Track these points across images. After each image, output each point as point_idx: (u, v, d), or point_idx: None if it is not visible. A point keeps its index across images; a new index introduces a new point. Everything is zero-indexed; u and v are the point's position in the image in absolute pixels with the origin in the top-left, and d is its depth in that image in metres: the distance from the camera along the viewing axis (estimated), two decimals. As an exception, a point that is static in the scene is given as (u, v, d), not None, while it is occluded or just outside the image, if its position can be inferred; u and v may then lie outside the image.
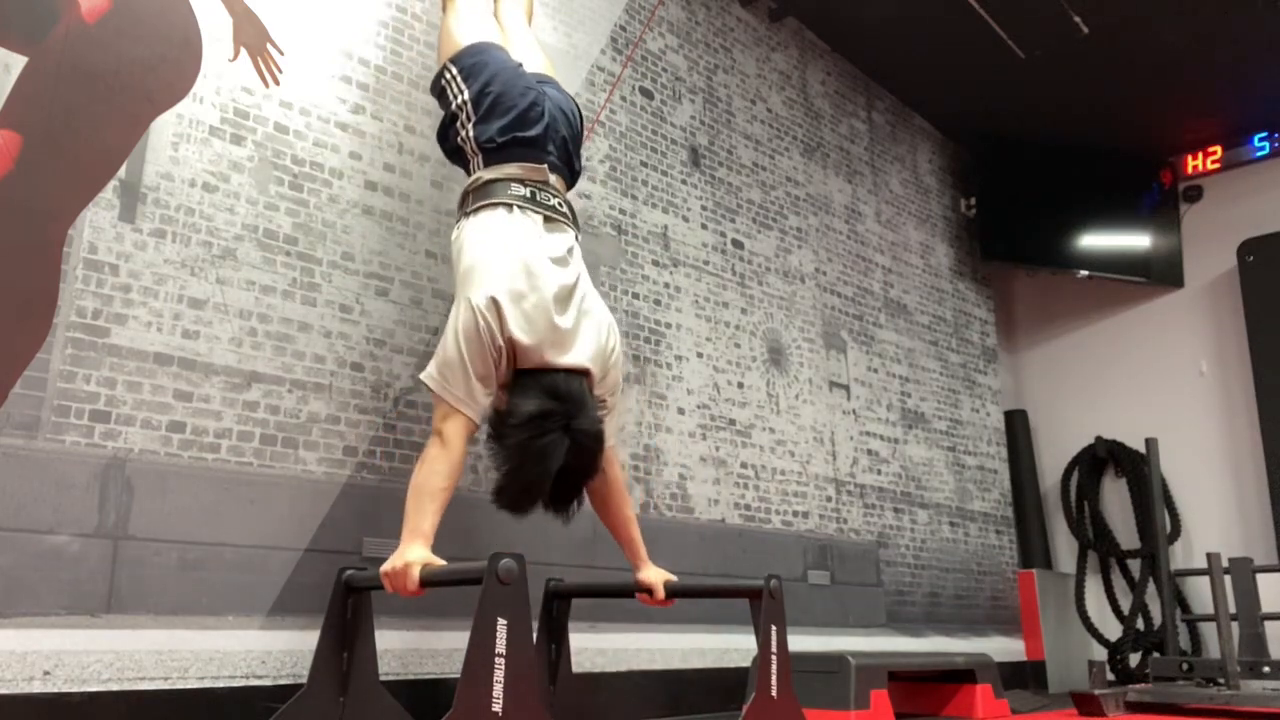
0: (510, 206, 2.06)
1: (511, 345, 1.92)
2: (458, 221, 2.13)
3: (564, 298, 2.01)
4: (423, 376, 1.94)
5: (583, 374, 1.99)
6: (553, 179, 2.16)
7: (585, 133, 2.53)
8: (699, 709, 2.96)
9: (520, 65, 2.27)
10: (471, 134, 2.14)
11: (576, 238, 2.17)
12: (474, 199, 2.09)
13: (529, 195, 2.08)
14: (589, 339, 2.03)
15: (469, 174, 2.17)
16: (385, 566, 1.79)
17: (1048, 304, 5.57)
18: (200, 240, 2.16)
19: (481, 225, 2.04)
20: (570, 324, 2.00)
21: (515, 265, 1.97)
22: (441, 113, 2.27)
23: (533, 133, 2.14)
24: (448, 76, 2.23)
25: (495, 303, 1.91)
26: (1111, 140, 5.11)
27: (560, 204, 2.15)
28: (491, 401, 1.96)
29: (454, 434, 1.88)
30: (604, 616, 2.76)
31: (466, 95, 2.16)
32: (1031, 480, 5.21)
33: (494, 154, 2.12)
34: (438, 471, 1.85)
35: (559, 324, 1.98)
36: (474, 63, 2.21)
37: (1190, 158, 5.27)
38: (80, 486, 1.89)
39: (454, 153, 2.23)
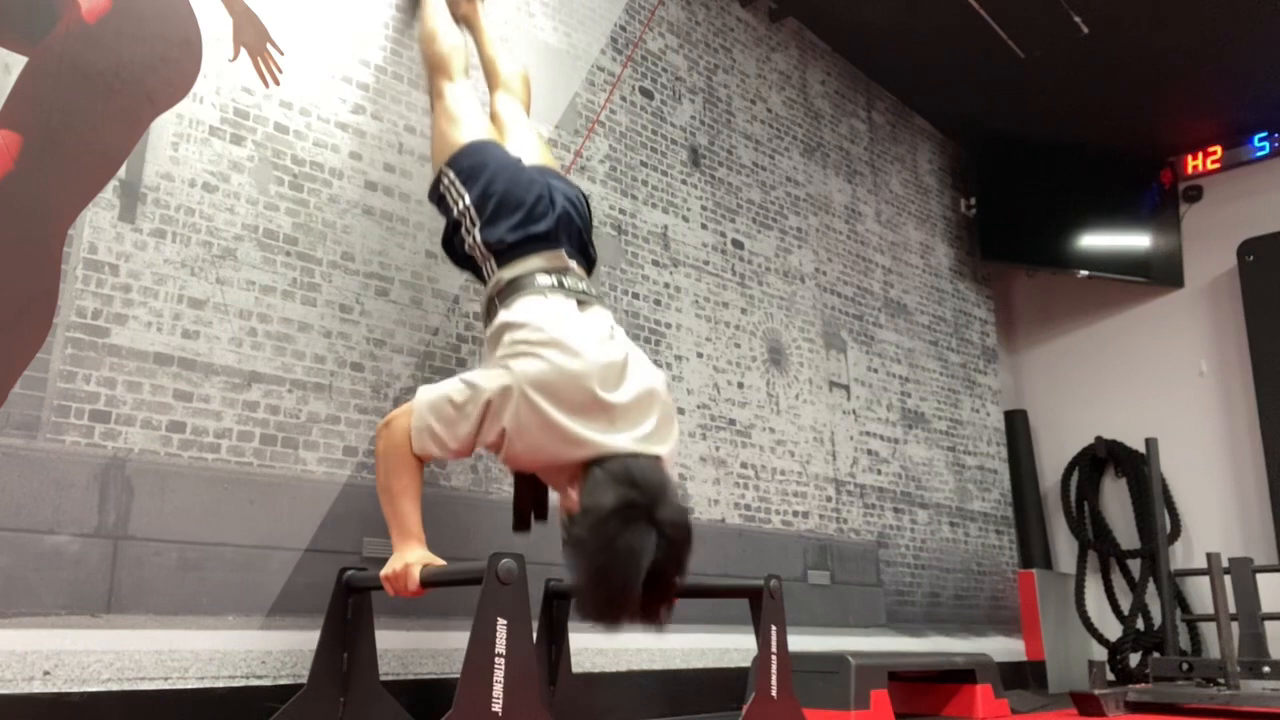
0: (543, 294, 1.94)
1: (551, 430, 1.76)
2: (487, 330, 2.01)
3: (615, 375, 1.86)
4: (419, 390, 1.86)
5: (653, 457, 1.81)
6: (574, 266, 2.06)
7: (585, 134, 2.53)
8: (699, 709, 2.96)
9: (519, 160, 2.19)
10: (480, 239, 2.04)
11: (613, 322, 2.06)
12: (500, 300, 1.98)
13: (556, 283, 1.97)
14: (653, 418, 1.87)
15: (484, 280, 2.07)
16: (385, 571, 1.79)
17: (1048, 304, 5.57)
18: (200, 240, 2.16)
19: (515, 316, 1.90)
20: (627, 399, 1.84)
21: (557, 345, 1.82)
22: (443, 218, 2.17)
23: (544, 227, 2.04)
24: (445, 182, 2.15)
25: (526, 390, 1.77)
26: (1111, 140, 5.11)
27: (588, 288, 2.03)
28: (562, 505, 1.82)
29: (402, 435, 1.83)
30: (604, 616, 2.76)
31: (468, 200, 2.08)
32: (1031, 480, 5.21)
33: (507, 254, 2.01)
34: (395, 468, 1.83)
35: (612, 400, 1.81)
36: (472, 164, 2.13)
37: (1190, 158, 5.27)
38: (80, 486, 1.89)
39: (464, 260, 2.12)
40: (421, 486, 1.86)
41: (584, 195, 2.24)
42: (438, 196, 2.19)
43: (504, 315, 1.92)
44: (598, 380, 1.80)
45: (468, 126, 2.24)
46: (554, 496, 1.94)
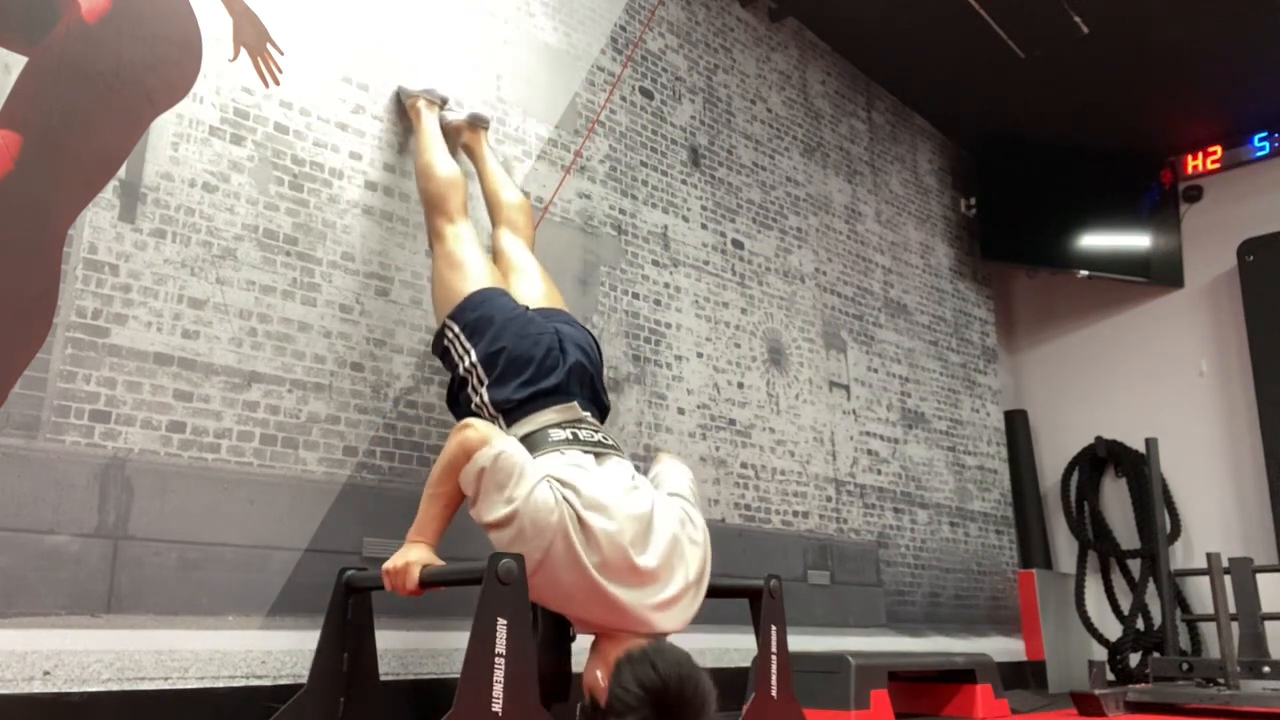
0: (559, 450, 1.86)
1: (577, 572, 1.70)
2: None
3: (643, 533, 1.78)
4: (485, 454, 1.74)
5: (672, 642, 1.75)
6: (587, 416, 2.00)
7: (585, 134, 2.51)
8: (699, 709, 2.96)
9: (526, 310, 2.12)
10: (488, 399, 1.98)
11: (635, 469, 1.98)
12: None
13: (571, 437, 1.90)
14: (678, 576, 1.80)
15: None
16: (386, 565, 1.80)
17: (1048, 304, 5.57)
18: (200, 240, 2.16)
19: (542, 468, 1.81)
20: (656, 563, 1.77)
21: (593, 506, 1.74)
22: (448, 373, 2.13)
23: (553, 381, 1.98)
24: (449, 335, 2.10)
25: (561, 514, 1.69)
26: (1111, 140, 5.11)
27: (605, 437, 1.96)
28: (586, 679, 1.75)
29: (467, 445, 1.77)
30: (604, 616, 2.76)
31: (474, 357, 2.02)
32: (1031, 480, 5.21)
33: (516, 412, 1.95)
34: (445, 473, 1.80)
35: (643, 565, 1.74)
36: (477, 317, 2.06)
37: (1190, 158, 5.27)
38: (80, 486, 1.89)
39: (468, 416, 1.99)
40: (460, 501, 1.83)
41: (594, 339, 2.18)
42: (441, 350, 2.13)
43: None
44: (629, 539, 1.74)
45: (471, 274, 2.18)
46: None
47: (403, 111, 2.63)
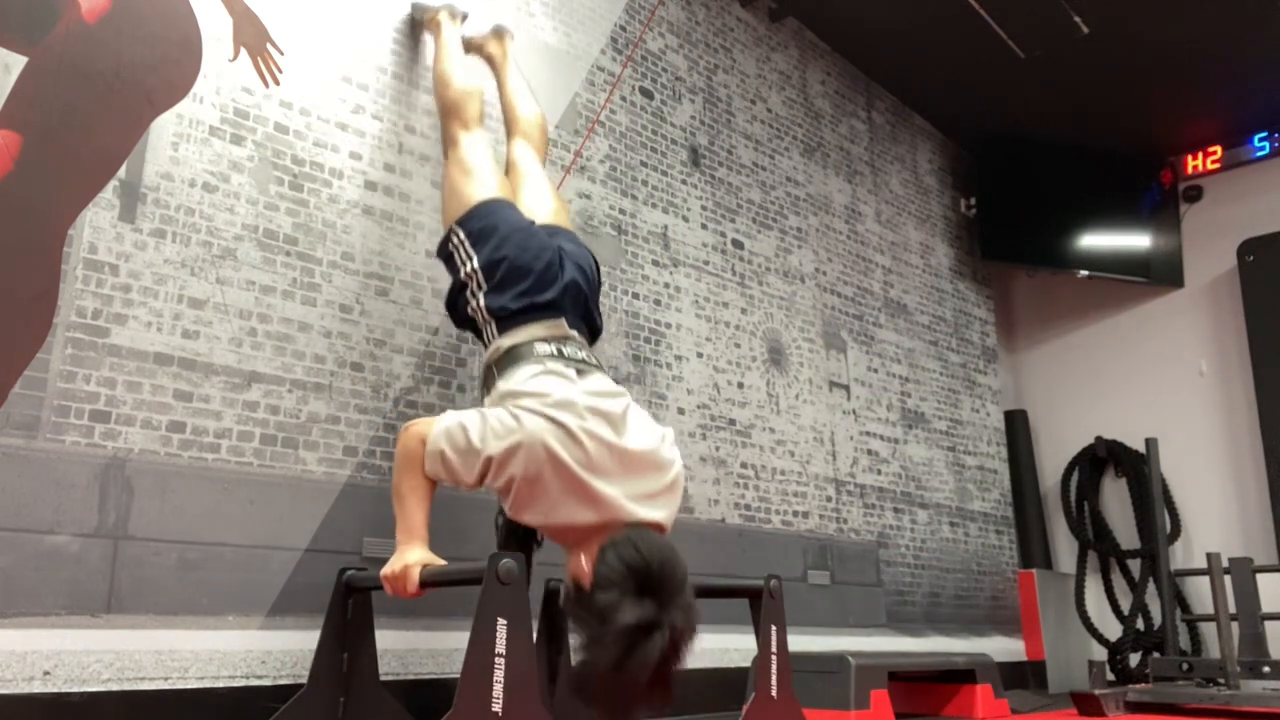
0: (541, 363, 1.92)
1: (566, 479, 1.75)
2: (485, 399, 1.99)
3: (619, 424, 1.84)
4: (446, 414, 1.84)
5: (659, 528, 1.81)
6: (574, 335, 2.04)
7: (585, 134, 2.52)
8: (699, 709, 2.96)
9: (532, 224, 2.16)
10: (483, 304, 2.03)
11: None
12: (498, 369, 1.96)
13: (555, 352, 1.95)
14: (657, 477, 1.85)
15: (485, 344, 2.06)
16: (385, 570, 1.79)
17: (1048, 304, 5.57)
18: (200, 240, 2.16)
19: (514, 383, 1.89)
20: (634, 447, 1.82)
21: (564, 406, 1.80)
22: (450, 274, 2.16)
23: (549, 295, 2.02)
24: (455, 241, 2.13)
25: (544, 440, 1.75)
26: (1111, 140, 5.11)
27: (588, 357, 2.01)
28: (570, 565, 1.77)
29: (416, 439, 1.82)
30: (604, 616, 2.76)
31: (476, 263, 2.06)
32: (1031, 480, 5.21)
33: (509, 321, 2.00)
34: (405, 469, 1.83)
35: (622, 445, 1.80)
36: (483, 226, 2.10)
37: (1190, 158, 5.27)
38: (80, 486, 1.89)
39: (465, 321, 2.12)
40: (432, 489, 1.86)
41: (595, 260, 2.22)
42: (446, 254, 2.16)
43: (503, 385, 1.90)
44: (607, 428, 1.80)
45: (482, 183, 2.21)
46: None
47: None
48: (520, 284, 2.02)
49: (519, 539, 1.97)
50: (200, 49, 2.22)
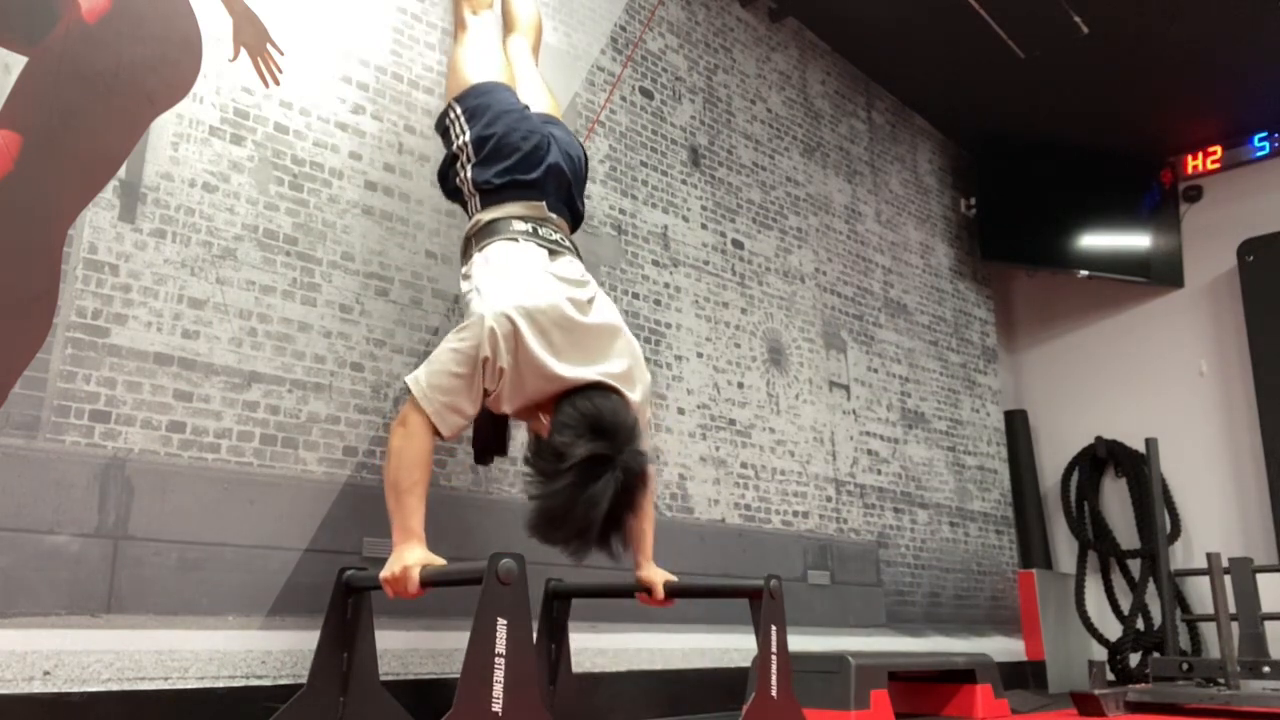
0: (515, 239, 2.03)
1: (532, 366, 1.86)
2: (463, 269, 2.10)
3: (581, 306, 1.98)
4: (408, 380, 1.87)
5: (622, 396, 1.92)
6: (553, 217, 2.13)
7: (585, 134, 2.53)
8: (699, 709, 2.96)
9: (527, 108, 2.24)
10: (470, 175, 2.13)
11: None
12: (476, 241, 2.07)
13: (530, 230, 2.06)
14: (623, 359, 1.99)
15: (469, 215, 2.16)
16: (384, 573, 1.78)
17: (1048, 304, 5.57)
18: (200, 240, 2.16)
19: (487, 258, 2.01)
20: (596, 322, 1.97)
21: (527, 282, 1.93)
22: (443, 149, 2.25)
23: (532, 175, 2.12)
24: (451, 116, 2.21)
25: (510, 320, 1.85)
26: (1111, 140, 5.11)
27: (563, 239, 2.11)
28: (530, 426, 1.94)
29: (420, 428, 1.83)
30: (604, 616, 2.76)
31: (468, 137, 2.15)
32: (1031, 480, 5.21)
33: (491, 195, 2.10)
34: (408, 464, 1.81)
35: (583, 321, 1.94)
36: (478, 104, 2.18)
37: (1190, 158, 5.27)
38: (80, 486, 1.89)
39: (453, 193, 2.22)
40: (428, 484, 1.86)
41: (584, 152, 2.32)
42: (442, 128, 2.25)
43: (478, 257, 2.02)
44: (570, 306, 1.93)
45: (484, 64, 2.30)
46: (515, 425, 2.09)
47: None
48: (505, 161, 2.11)
49: (496, 430, 2.16)
50: (200, 49, 2.22)
